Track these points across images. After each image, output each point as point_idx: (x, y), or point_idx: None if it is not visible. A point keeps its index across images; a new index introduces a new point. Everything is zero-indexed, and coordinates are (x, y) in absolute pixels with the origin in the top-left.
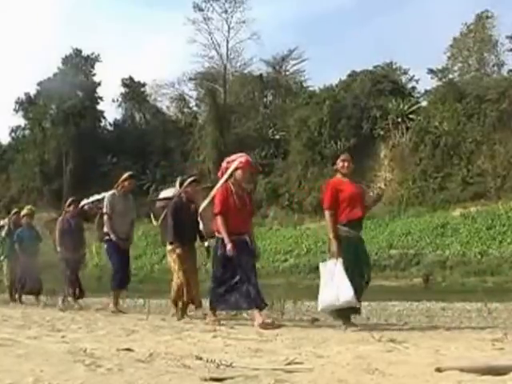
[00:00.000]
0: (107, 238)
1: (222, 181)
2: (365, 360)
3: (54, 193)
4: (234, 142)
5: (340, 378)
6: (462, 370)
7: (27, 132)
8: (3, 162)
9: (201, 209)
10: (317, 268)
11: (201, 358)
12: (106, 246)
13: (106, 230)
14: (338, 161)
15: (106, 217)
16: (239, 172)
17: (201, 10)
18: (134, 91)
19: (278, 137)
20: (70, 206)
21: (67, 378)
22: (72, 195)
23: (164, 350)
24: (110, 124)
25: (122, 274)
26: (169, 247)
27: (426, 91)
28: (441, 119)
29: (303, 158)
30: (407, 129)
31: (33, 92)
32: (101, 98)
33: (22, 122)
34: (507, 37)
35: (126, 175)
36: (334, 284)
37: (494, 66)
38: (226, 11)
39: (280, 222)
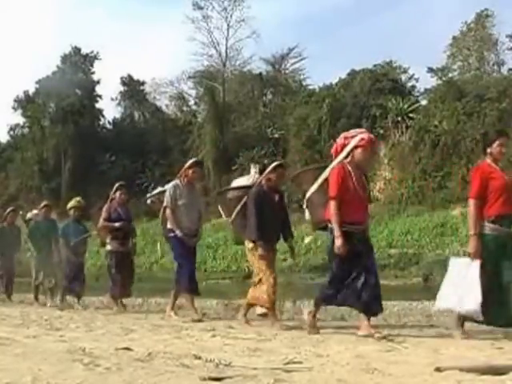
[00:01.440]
0: (172, 234)
1: (337, 159)
2: (364, 359)
3: (53, 191)
4: (233, 141)
5: (339, 378)
6: (461, 369)
7: (26, 130)
8: (2, 161)
9: (308, 194)
10: (315, 267)
11: (200, 358)
12: (170, 242)
13: (169, 225)
14: (495, 144)
15: (168, 211)
16: (359, 151)
17: (200, 8)
18: (133, 90)
19: (277, 135)
20: (117, 191)
21: (66, 377)
22: (71, 194)
23: (163, 349)
24: (109, 122)
25: (189, 275)
26: (249, 245)
27: (426, 90)
28: (441, 118)
29: (302, 156)
30: (407, 128)
31: (32, 90)
32: (100, 97)
33: (20, 120)
34: (507, 36)
35: (190, 162)
36: (463, 287)
37: (494, 64)
38: (225, 10)
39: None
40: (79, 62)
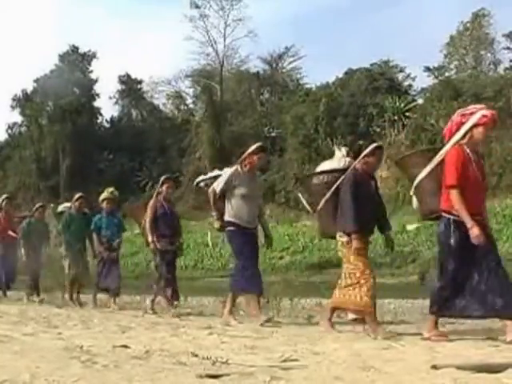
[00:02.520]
0: (230, 228)
1: (453, 140)
2: (360, 357)
3: (51, 189)
4: (230, 140)
5: (336, 375)
6: (457, 367)
7: (24, 129)
8: (0, 159)
9: (418, 180)
10: (312, 265)
11: (196, 355)
12: (227, 237)
13: (227, 217)
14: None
15: (212, 195)
16: (480, 130)
17: (197, 7)
18: (130, 88)
19: (274, 134)
20: (163, 185)
21: (63, 375)
22: (69, 192)
23: (160, 346)
24: (106, 121)
25: (250, 272)
26: (343, 238)
27: (423, 89)
28: (437, 117)
29: (299, 155)
30: (403, 126)
31: (30, 89)
32: (97, 95)
33: (18, 118)
34: (503, 35)
35: (254, 147)
36: None
37: (490, 64)
38: (222, 9)
39: (276, 219)
40: (77, 61)
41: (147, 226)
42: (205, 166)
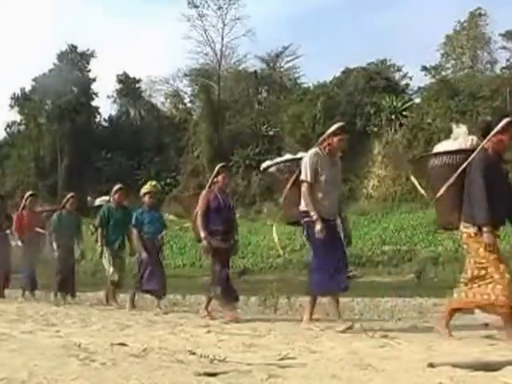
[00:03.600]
0: (307, 219)
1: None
2: (357, 355)
3: (49, 188)
4: (228, 138)
5: (333, 374)
6: (454, 365)
7: (22, 127)
8: None
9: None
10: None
11: (194, 353)
12: (305, 230)
13: (303, 207)
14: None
15: (305, 186)
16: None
17: (196, 6)
18: (128, 87)
19: (271, 133)
20: (219, 174)
21: (61, 373)
22: (67, 191)
23: (158, 344)
24: (104, 120)
25: (327, 272)
26: (470, 230)
27: (420, 88)
28: (434, 116)
29: (297, 154)
30: (400, 125)
31: (28, 88)
32: (96, 94)
33: (17, 117)
34: (500, 34)
35: (336, 127)
36: None
37: (486, 63)
38: (220, 8)
39: (274, 217)
40: (75, 60)
41: (198, 220)
42: (203, 164)
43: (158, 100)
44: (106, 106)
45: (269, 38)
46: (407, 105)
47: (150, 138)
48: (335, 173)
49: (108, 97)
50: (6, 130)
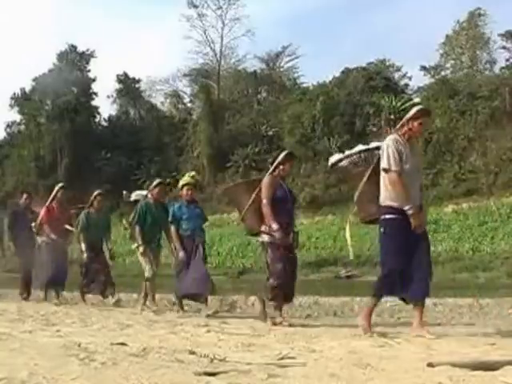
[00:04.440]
0: (389, 215)
1: None
2: (357, 355)
3: (49, 188)
4: (227, 138)
5: (332, 373)
6: (453, 365)
7: (22, 127)
8: None
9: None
10: (309, 263)
11: (194, 353)
12: (384, 226)
13: (385, 200)
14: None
15: (394, 176)
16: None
17: (195, 6)
18: (128, 87)
19: (271, 133)
20: (285, 162)
21: (61, 372)
22: (67, 190)
23: (158, 344)
24: (104, 120)
25: (397, 275)
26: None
27: (419, 88)
28: (433, 116)
29: (296, 154)
30: None
31: (28, 88)
32: (96, 94)
33: (17, 117)
34: (499, 34)
35: (415, 110)
36: None
37: (486, 63)
38: (220, 8)
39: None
40: (75, 60)
41: (265, 210)
42: (202, 164)
43: (158, 100)
44: (105, 105)
45: (268, 37)
46: (407, 105)
47: (150, 138)
48: (417, 160)
49: (108, 97)
50: (5, 129)
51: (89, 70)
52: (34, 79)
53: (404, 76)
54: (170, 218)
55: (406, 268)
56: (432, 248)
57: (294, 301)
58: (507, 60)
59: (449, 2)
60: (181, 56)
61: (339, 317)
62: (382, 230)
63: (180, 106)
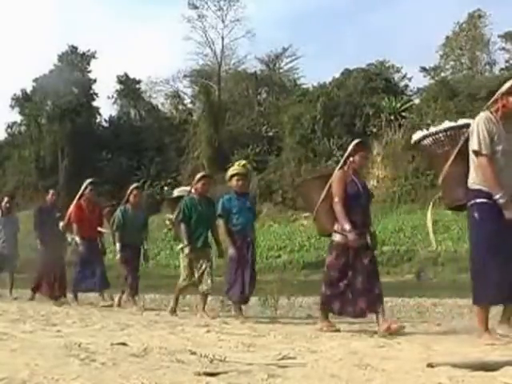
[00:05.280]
0: (480, 200)
1: None
2: (357, 355)
3: (50, 188)
4: (228, 139)
5: (333, 373)
6: (453, 365)
7: (23, 128)
8: None
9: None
10: (309, 264)
11: (194, 353)
12: (473, 212)
13: (474, 184)
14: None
15: (481, 159)
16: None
17: (195, 7)
18: (129, 88)
19: (271, 134)
20: (356, 152)
21: (62, 372)
22: (67, 191)
23: (158, 344)
24: (105, 120)
25: (498, 271)
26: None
27: (419, 89)
28: (433, 117)
29: (296, 154)
30: (400, 126)
31: (29, 88)
32: (96, 95)
33: (18, 118)
34: (499, 36)
35: (509, 84)
36: None
37: (485, 64)
38: (220, 9)
39: (273, 218)
40: (76, 61)
41: (336, 209)
42: (203, 165)
43: (159, 101)
44: (106, 106)
45: (268, 39)
46: (406, 106)
47: (151, 139)
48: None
49: (108, 97)
50: (6, 130)
51: (89, 71)
52: (35, 80)
53: (404, 77)
54: (218, 212)
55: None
56: (431, 249)
57: (295, 302)
58: (507, 61)
59: (448, 3)
60: (181, 57)
61: (339, 317)
62: (473, 216)
63: (180, 106)
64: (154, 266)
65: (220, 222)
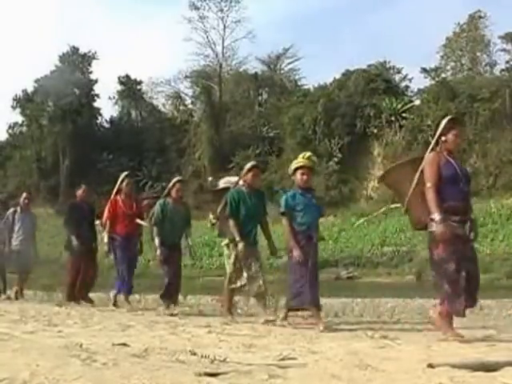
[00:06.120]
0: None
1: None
2: (357, 356)
3: (51, 189)
4: (229, 140)
5: (333, 374)
6: (453, 366)
7: (24, 129)
8: (0, 159)
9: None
10: None
11: (195, 354)
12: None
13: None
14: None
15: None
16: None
17: (197, 8)
18: (130, 89)
19: (272, 134)
20: (449, 130)
21: (63, 373)
22: (68, 192)
23: (159, 345)
24: (106, 121)
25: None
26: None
27: (419, 90)
28: (434, 118)
29: (297, 155)
30: (400, 127)
31: (30, 89)
32: (97, 96)
33: (19, 118)
34: (499, 37)
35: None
36: None
37: (486, 65)
38: (221, 10)
39: (275, 218)
40: (77, 62)
41: (429, 196)
42: (204, 165)
43: (160, 101)
44: (107, 107)
45: (269, 39)
46: (407, 106)
47: (152, 140)
48: None
49: (109, 98)
50: (8, 131)
51: (91, 72)
52: (36, 81)
53: (404, 78)
54: (281, 209)
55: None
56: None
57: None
58: (507, 62)
59: (449, 4)
60: (182, 58)
61: (340, 318)
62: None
63: (181, 107)
64: (154, 267)
65: (283, 221)
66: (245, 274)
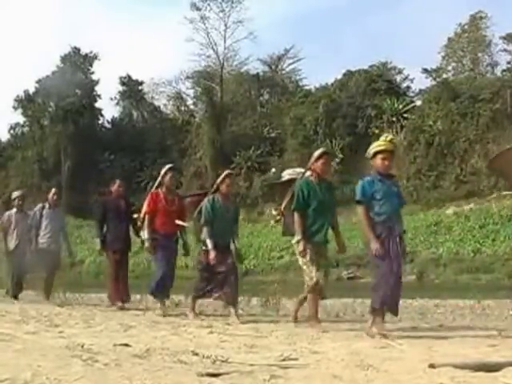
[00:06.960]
0: None
1: None
2: (359, 356)
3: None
4: (230, 140)
5: (334, 374)
6: (455, 366)
7: (26, 129)
8: (2, 159)
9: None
10: None
11: (197, 354)
12: None
13: None
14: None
15: None
16: None
17: (198, 9)
18: (131, 89)
19: (273, 135)
20: None
21: (64, 373)
22: (70, 192)
23: (160, 345)
24: (107, 122)
25: None
26: None
27: (421, 90)
28: (435, 118)
29: (299, 156)
30: (402, 128)
31: (32, 90)
32: (99, 96)
33: (21, 119)
34: (501, 37)
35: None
36: None
37: (487, 65)
38: (223, 11)
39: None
40: (79, 62)
41: None
42: (205, 166)
43: (161, 102)
44: (108, 107)
45: (271, 40)
46: (408, 107)
47: (153, 140)
48: None
49: (111, 99)
50: (9, 131)
51: (92, 72)
52: (38, 81)
53: (406, 78)
54: (358, 197)
55: None
56: (433, 250)
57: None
58: (508, 62)
59: (450, 4)
60: (184, 58)
61: (341, 318)
62: None
63: (183, 108)
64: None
65: (359, 210)
66: (317, 271)
